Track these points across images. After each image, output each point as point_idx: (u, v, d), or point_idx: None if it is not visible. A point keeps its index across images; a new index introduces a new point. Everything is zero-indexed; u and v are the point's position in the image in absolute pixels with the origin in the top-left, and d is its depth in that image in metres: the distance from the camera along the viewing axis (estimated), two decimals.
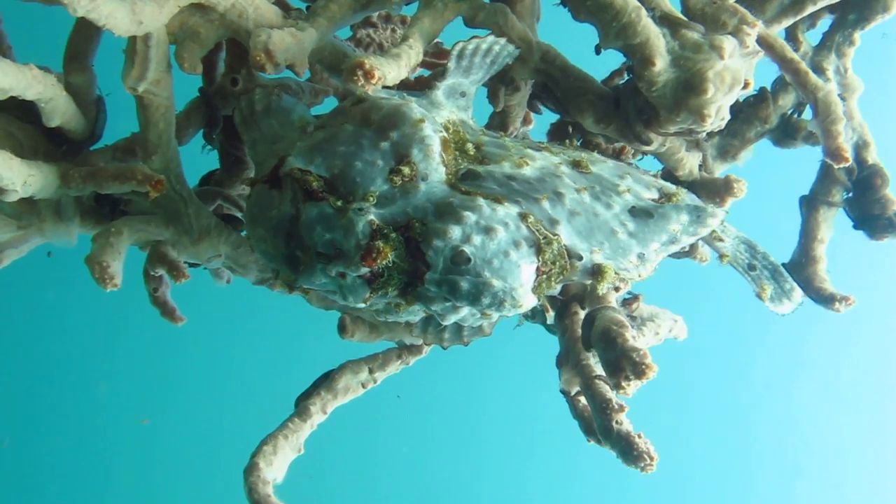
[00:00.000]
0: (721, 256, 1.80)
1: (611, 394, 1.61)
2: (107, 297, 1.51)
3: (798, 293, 1.84)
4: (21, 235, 1.66)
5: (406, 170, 1.35)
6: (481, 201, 1.34)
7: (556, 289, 1.52)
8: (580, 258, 1.43)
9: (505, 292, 1.30)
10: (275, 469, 1.61)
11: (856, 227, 2.07)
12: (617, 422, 1.54)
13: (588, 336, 1.72)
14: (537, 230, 1.37)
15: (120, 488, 12.63)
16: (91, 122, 1.65)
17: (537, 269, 1.35)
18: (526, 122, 2.17)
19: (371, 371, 1.88)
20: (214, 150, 1.93)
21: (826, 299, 2.03)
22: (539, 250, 1.35)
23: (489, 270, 1.29)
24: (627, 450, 1.48)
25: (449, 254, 1.29)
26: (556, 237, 1.40)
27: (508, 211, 1.36)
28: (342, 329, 1.80)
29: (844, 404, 11.94)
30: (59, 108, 1.49)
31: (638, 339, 1.84)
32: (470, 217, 1.31)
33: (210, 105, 1.80)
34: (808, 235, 2.11)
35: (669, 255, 2.02)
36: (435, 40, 2.35)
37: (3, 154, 1.32)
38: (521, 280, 1.32)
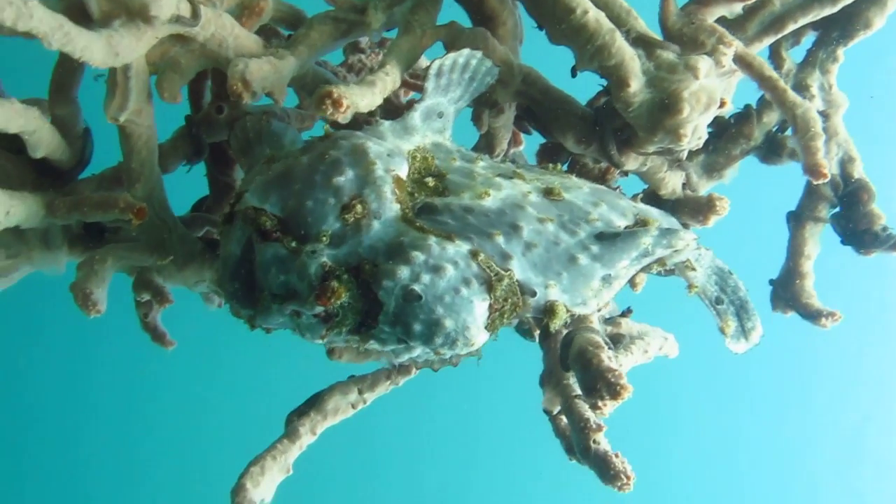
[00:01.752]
0: (690, 287, 1.78)
1: (589, 413, 1.62)
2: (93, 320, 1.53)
3: (756, 334, 1.82)
4: (10, 264, 1.69)
5: (358, 207, 1.36)
6: (431, 240, 1.35)
7: (510, 324, 1.53)
8: (533, 294, 1.42)
9: (457, 332, 1.31)
10: (262, 490, 1.62)
11: (843, 242, 2.08)
12: (595, 441, 1.55)
13: (566, 358, 1.73)
14: (488, 267, 1.37)
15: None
16: (78, 152, 1.67)
17: (490, 306, 1.35)
18: (516, 142, 2.19)
19: (360, 392, 1.88)
20: (200, 170, 1.96)
21: (813, 315, 2.04)
22: (490, 287, 1.35)
23: (441, 307, 1.30)
24: (604, 469, 1.49)
25: (399, 293, 1.29)
26: (507, 273, 1.39)
27: (458, 249, 1.36)
28: (330, 352, 1.82)
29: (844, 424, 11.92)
30: (43, 140, 1.52)
31: (622, 356, 1.86)
32: (419, 257, 1.31)
33: (196, 133, 1.82)
34: (795, 251, 2.13)
35: (656, 273, 2.04)
36: (427, 63, 2.41)
37: None
38: (475, 316, 1.32)
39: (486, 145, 1.96)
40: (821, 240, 2.13)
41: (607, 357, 1.56)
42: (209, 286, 1.76)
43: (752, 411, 12.43)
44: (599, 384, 1.50)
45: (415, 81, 2.31)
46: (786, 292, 2.12)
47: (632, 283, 2.14)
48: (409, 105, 2.26)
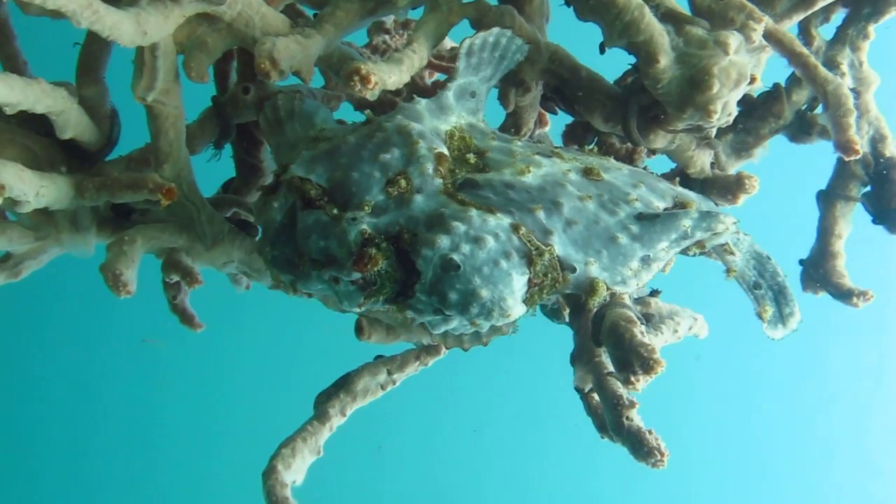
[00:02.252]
0: (728, 271, 1.77)
1: (622, 390, 1.61)
2: (113, 302, 1.53)
3: (794, 321, 1.82)
4: (39, 247, 1.70)
5: (402, 182, 1.37)
6: (473, 212, 1.35)
7: (548, 300, 1.52)
8: (573, 270, 1.41)
9: (493, 302, 1.30)
10: (293, 472, 1.62)
11: (874, 221, 2.05)
12: (628, 418, 1.54)
13: (598, 333, 1.72)
14: (528, 241, 1.37)
15: (117, 493, 12.74)
16: (105, 133, 1.68)
17: (529, 280, 1.35)
18: (542, 123, 2.18)
19: (389, 373, 1.88)
20: (220, 159, 1.96)
21: (844, 294, 2.02)
22: (530, 262, 1.35)
23: (479, 278, 1.29)
24: (638, 446, 1.48)
25: (438, 262, 1.29)
26: (548, 248, 1.39)
27: (500, 222, 1.36)
28: (359, 331, 1.81)
29: (863, 402, 11.85)
30: (71, 121, 1.52)
31: (652, 336, 1.84)
32: (459, 227, 1.31)
33: (223, 114, 1.82)
34: (825, 231, 2.10)
35: (681, 254, 2.02)
36: (452, 45, 2.40)
37: (14, 166, 1.36)
38: (512, 289, 1.32)
39: (512, 124, 1.95)
40: (852, 219, 2.11)
41: (640, 332, 1.55)
42: (237, 266, 1.76)
43: (770, 396, 12.38)
44: (632, 359, 1.48)
45: (439, 63, 2.29)
46: (817, 272, 2.09)
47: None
48: (435, 87, 2.26)
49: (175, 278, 1.64)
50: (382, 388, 1.86)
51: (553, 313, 2.39)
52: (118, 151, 1.76)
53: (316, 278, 1.36)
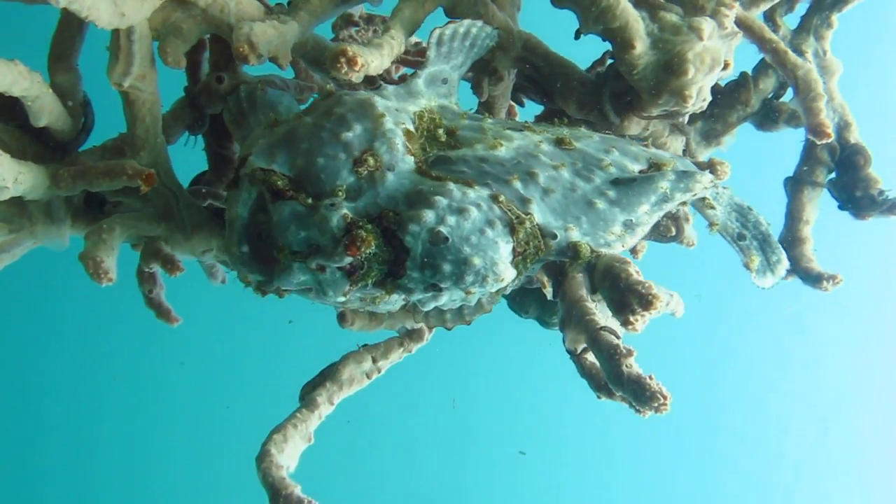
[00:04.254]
0: (711, 225, 1.80)
1: (617, 341, 1.59)
2: (99, 296, 1.51)
3: (782, 267, 1.85)
4: (13, 239, 1.66)
5: (370, 160, 1.36)
6: (451, 185, 1.35)
7: (533, 270, 1.52)
8: (554, 237, 1.42)
9: (486, 268, 1.31)
10: (286, 456, 1.60)
11: (841, 207, 2.08)
12: (626, 366, 1.51)
13: (592, 281, 1.71)
14: (509, 210, 1.38)
15: (115, 488, 12.65)
16: (78, 123, 1.65)
17: (513, 249, 1.36)
18: (510, 115, 2.18)
19: (374, 360, 1.87)
20: (199, 145, 1.94)
21: (814, 279, 2.05)
22: (513, 230, 1.36)
23: (468, 247, 1.30)
24: (640, 392, 1.43)
25: (426, 236, 1.29)
26: (528, 216, 1.40)
27: (479, 193, 1.37)
28: (342, 319, 1.80)
29: (831, 390, 12.06)
30: (46, 107, 1.49)
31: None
32: (441, 200, 1.32)
33: (196, 104, 1.80)
34: (793, 216, 2.13)
35: (655, 240, 2.03)
36: (416, 40, 2.40)
37: None
38: (501, 255, 1.33)
39: (484, 114, 1.95)
40: (819, 205, 2.14)
41: (635, 271, 1.54)
42: (216, 255, 1.74)
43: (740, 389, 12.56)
44: (630, 298, 1.48)
45: (405, 57, 2.29)
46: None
47: (633, 251, 2.14)
48: (402, 80, 2.25)
49: (155, 267, 1.61)
50: (368, 376, 1.85)
51: (519, 306, 2.40)
52: (89, 144, 1.73)
53: (298, 270, 1.33)
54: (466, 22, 1.68)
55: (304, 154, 1.36)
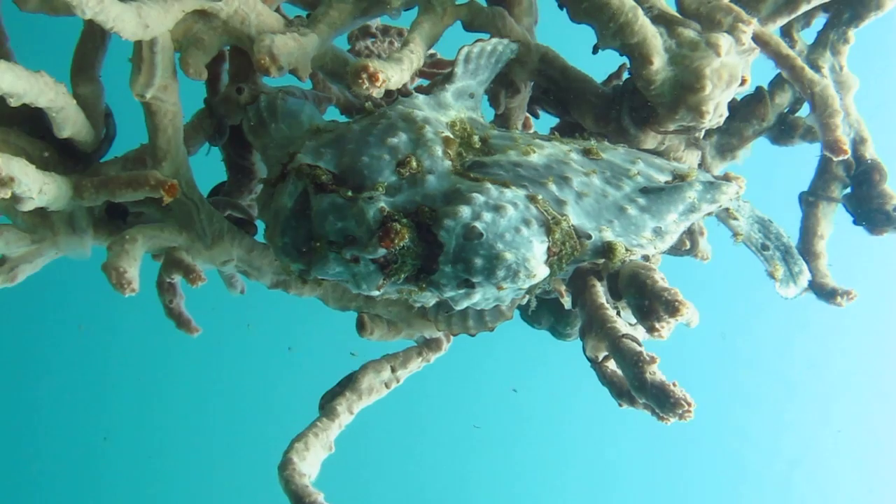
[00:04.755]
0: (735, 235, 1.82)
1: (640, 348, 1.59)
2: (103, 302, 1.52)
3: (804, 278, 1.86)
4: (35, 249, 1.67)
5: (413, 163, 1.38)
6: (489, 185, 1.36)
7: (567, 271, 1.53)
8: (588, 237, 1.43)
9: (518, 263, 1.31)
10: (308, 465, 1.60)
11: (855, 222, 2.09)
12: (650, 373, 1.51)
13: (615, 287, 1.71)
14: (546, 210, 1.38)
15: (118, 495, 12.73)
16: (100, 134, 1.66)
17: (548, 249, 1.36)
18: (525, 127, 2.19)
19: (393, 370, 1.88)
20: (219, 154, 1.95)
21: (828, 294, 2.05)
22: (549, 230, 1.36)
23: (502, 243, 1.30)
24: (663, 399, 1.43)
25: (461, 231, 1.30)
26: (564, 217, 1.41)
27: (516, 193, 1.38)
28: (361, 327, 1.81)
29: (837, 397, 12.09)
30: (69, 118, 1.51)
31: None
32: (479, 198, 1.32)
33: (216, 115, 1.81)
34: (808, 231, 2.13)
35: (669, 254, 2.04)
36: (431, 52, 2.42)
37: (20, 161, 1.34)
38: (534, 252, 1.33)
39: (500, 126, 1.96)
40: (833, 220, 2.14)
41: (661, 278, 1.54)
42: (237, 265, 1.75)
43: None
44: (656, 304, 1.48)
45: (421, 69, 2.30)
46: None
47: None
48: (419, 91, 2.26)
49: (176, 277, 1.62)
50: (387, 385, 1.86)
51: (533, 318, 2.40)
52: (110, 155, 1.75)
53: (334, 261, 1.34)
54: (493, 40, 1.71)
55: (350, 153, 1.40)
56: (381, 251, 1.30)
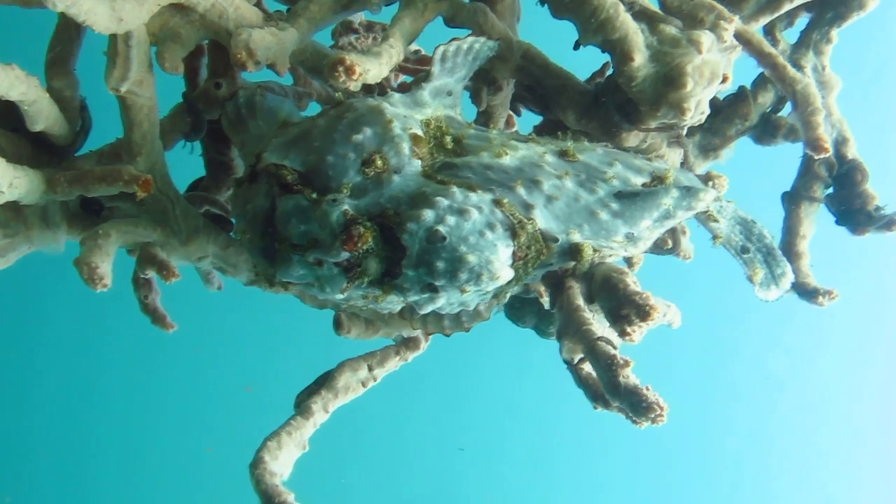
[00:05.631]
0: (714, 237, 1.80)
1: (615, 352, 1.59)
2: (94, 301, 1.51)
3: (787, 280, 1.85)
4: (7, 244, 1.65)
5: (378, 161, 1.37)
6: (454, 188, 1.36)
7: (535, 276, 1.52)
8: (556, 240, 1.43)
9: (481, 266, 1.30)
10: (280, 464, 1.59)
11: (838, 222, 2.09)
12: (623, 376, 1.51)
13: (589, 290, 1.71)
14: (511, 214, 1.38)
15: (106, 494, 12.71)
16: (74, 128, 1.64)
17: (513, 253, 1.36)
18: (508, 125, 2.18)
19: (370, 368, 1.88)
20: (197, 149, 1.93)
21: (810, 294, 2.05)
22: (514, 234, 1.36)
23: (465, 246, 1.30)
24: (637, 402, 1.43)
25: (424, 235, 1.29)
26: (530, 221, 1.40)
27: (482, 197, 1.38)
28: (338, 325, 1.80)
29: (821, 399, 12.17)
30: (42, 111, 1.49)
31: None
32: (443, 201, 1.32)
33: (194, 110, 1.80)
34: (790, 231, 2.13)
35: (651, 252, 2.03)
36: (416, 48, 2.40)
37: None
38: (499, 255, 1.33)
39: (483, 123, 1.94)
40: (816, 220, 2.14)
41: (633, 282, 1.53)
42: (212, 262, 1.73)
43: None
44: (627, 308, 1.47)
45: (405, 65, 2.29)
46: None
47: (629, 263, 2.14)
48: (402, 88, 2.25)
49: (150, 273, 1.61)
50: (363, 384, 1.85)
51: (517, 315, 2.39)
52: (85, 149, 1.73)
53: (297, 263, 1.34)
54: (469, 38, 1.69)
55: (315, 151, 1.39)
56: (345, 254, 1.30)
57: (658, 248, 2.02)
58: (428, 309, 1.43)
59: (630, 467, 13.04)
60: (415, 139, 1.45)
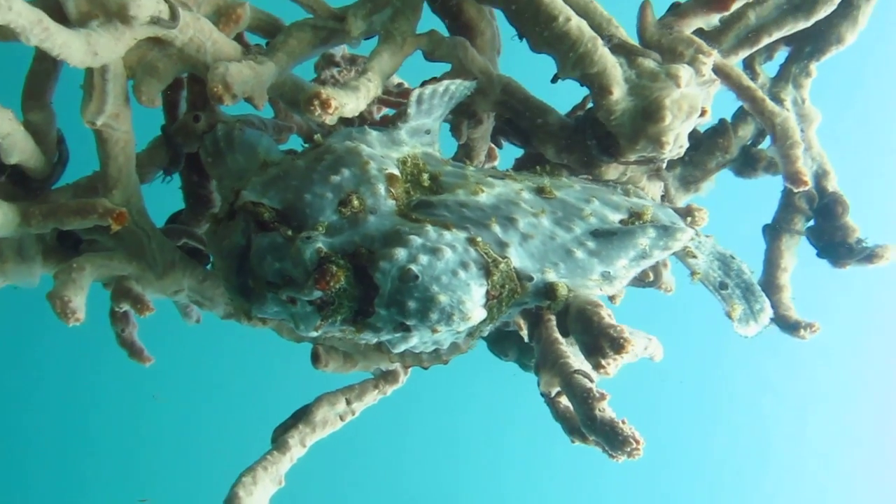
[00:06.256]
0: (692, 274, 1.80)
1: (591, 385, 1.58)
2: (79, 335, 1.50)
3: (766, 315, 1.84)
4: None
5: (355, 202, 1.37)
6: (429, 227, 1.36)
7: (510, 314, 1.52)
8: (531, 279, 1.43)
9: (452, 306, 1.30)
10: (255, 499, 1.58)
11: (819, 255, 2.09)
12: (599, 409, 1.49)
13: (564, 323, 1.70)
14: (486, 253, 1.38)
15: None
16: (51, 160, 1.63)
17: (487, 292, 1.36)
18: (491, 157, 2.18)
19: (349, 402, 1.86)
20: (173, 181, 1.93)
21: (791, 327, 2.05)
22: (488, 273, 1.36)
23: (437, 286, 1.29)
24: (612, 436, 1.41)
25: (396, 273, 1.29)
26: (505, 259, 1.40)
27: (456, 235, 1.38)
28: (315, 359, 1.79)
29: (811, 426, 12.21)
30: (17, 145, 1.48)
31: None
32: (416, 240, 1.32)
33: (172, 143, 1.79)
34: (771, 264, 2.14)
35: (633, 285, 2.02)
36: (398, 81, 2.40)
37: None
38: (471, 295, 1.32)
39: (464, 156, 1.95)
40: (797, 253, 2.15)
41: (607, 315, 1.52)
42: (188, 295, 1.72)
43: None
44: (602, 342, 1.46)
45: (387, 98, 2.29)
46: None
47: (611, 297, 2.13)
48: (384, 121, 2.25)
49: (125, 307, 1.60)
50: (342, 418, 1.84)
51: (499, 349, 2.38)
52: (63, 181, 1.72)
53: (272, 301, 1.34)
54: (445, 81, 1.69)
55: (294, 190, 1.39)
56: (317, 293, 1.29)
57: (639, 280, 2.02)
58: (401, 348, 1.42)
59: (628, 470, 13.03)
60: (390, 179, 1.44)
